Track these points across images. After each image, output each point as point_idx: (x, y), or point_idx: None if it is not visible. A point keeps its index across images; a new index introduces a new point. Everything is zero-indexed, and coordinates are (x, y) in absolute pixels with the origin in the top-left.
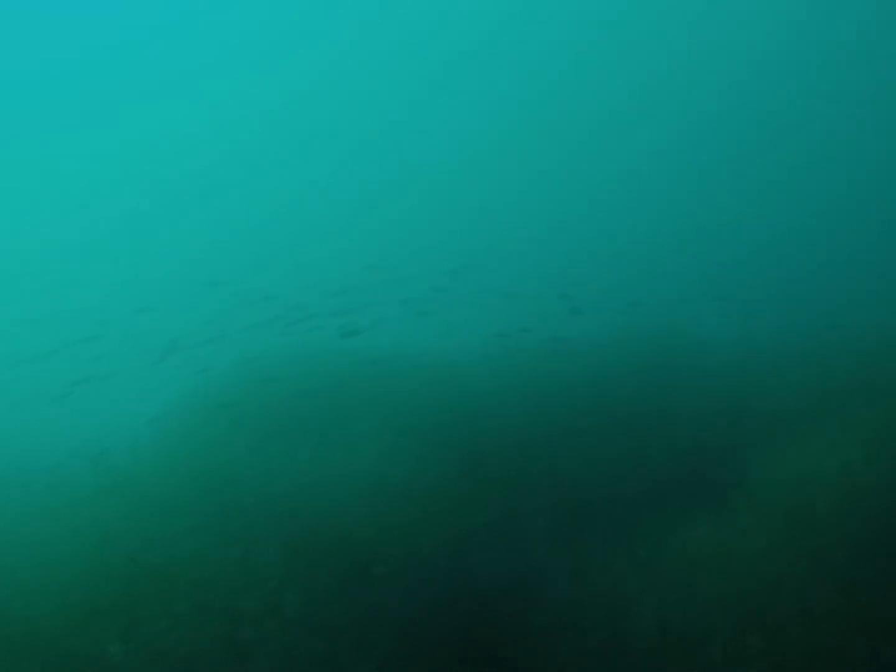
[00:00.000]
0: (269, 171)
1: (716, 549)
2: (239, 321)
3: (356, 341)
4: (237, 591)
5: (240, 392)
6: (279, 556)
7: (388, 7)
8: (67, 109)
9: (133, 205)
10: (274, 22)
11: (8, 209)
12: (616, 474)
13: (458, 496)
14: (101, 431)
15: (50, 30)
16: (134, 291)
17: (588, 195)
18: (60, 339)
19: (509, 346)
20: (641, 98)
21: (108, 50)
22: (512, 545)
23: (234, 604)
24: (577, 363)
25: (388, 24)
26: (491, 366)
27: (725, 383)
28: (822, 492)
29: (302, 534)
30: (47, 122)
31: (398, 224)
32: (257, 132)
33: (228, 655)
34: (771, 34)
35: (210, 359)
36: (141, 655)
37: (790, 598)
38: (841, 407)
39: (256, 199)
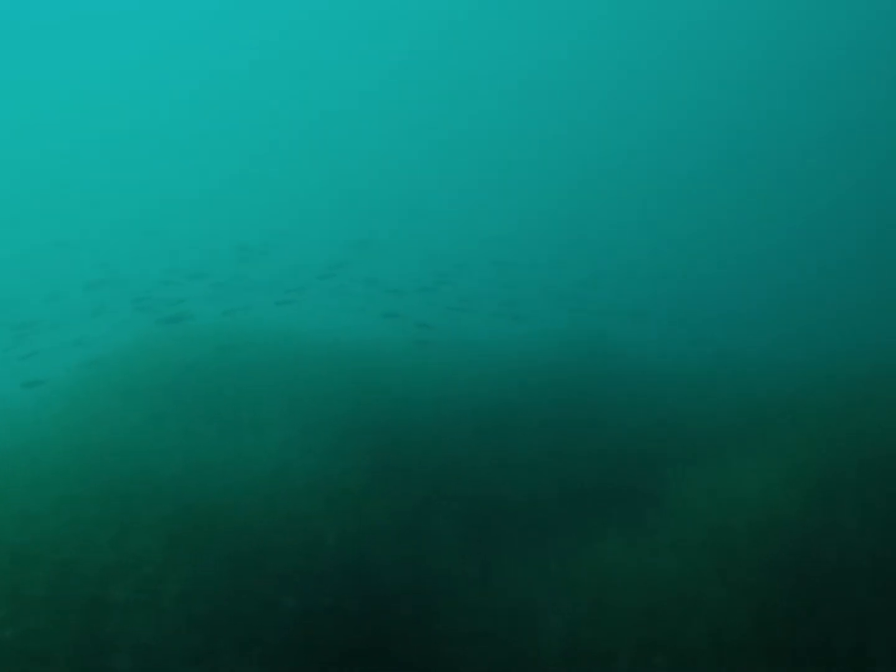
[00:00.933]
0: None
1: (630, 565)
2: (158, 293)
3: (275, 322)
4: (107, 577)
5: (140, 367)
6: (161, 540)
7: None
8: None
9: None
10: None
11: None
12: (535, 478)
13: (365, 490)
14: None
15: None
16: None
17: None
18: None
19: (433, 342)
20: (621, 97)
21: None
22: (419, 545)
23: (100, 591)
24: (505, 362)
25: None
26: (412, 360)
27: (658, 397)
28: (740, 514)
29: (190, 518)
30: None
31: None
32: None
33: (87, 651)
34: (767, 36)
35: (111, 329)
36: None
37: (700, 622)
38: (767, 429)
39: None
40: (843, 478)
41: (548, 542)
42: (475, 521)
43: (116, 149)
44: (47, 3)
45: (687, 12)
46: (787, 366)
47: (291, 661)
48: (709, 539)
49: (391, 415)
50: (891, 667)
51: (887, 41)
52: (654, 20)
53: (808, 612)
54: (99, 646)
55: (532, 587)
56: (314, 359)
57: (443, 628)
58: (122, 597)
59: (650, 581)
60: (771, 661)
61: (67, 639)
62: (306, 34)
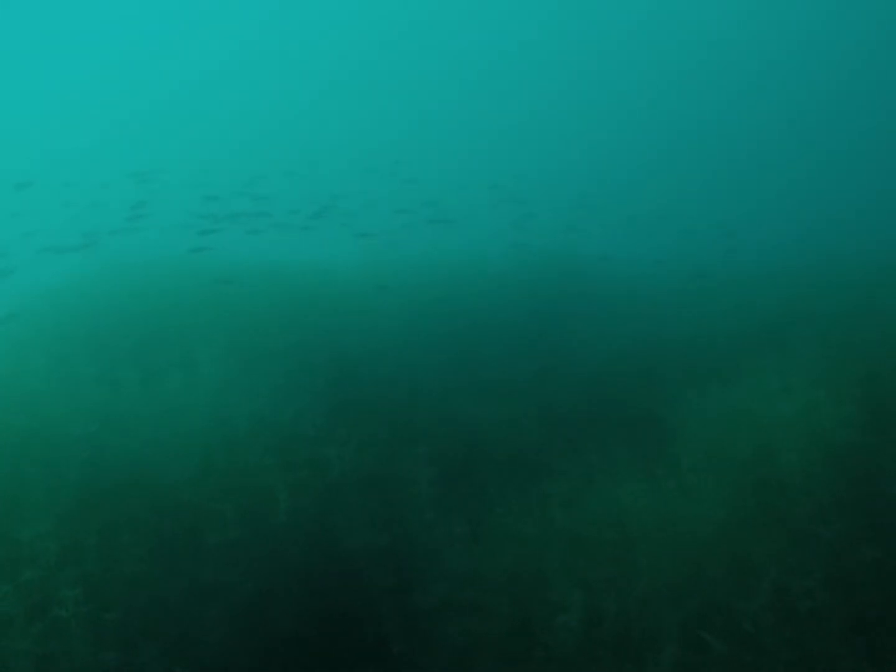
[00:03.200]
0: None
1: (651, 512)
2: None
3: (207, 255)
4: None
5: (54, 304)
6: (63, 518)
7: None
8: None
9: None
10: None
11: None
12: (517, 415)
13: (322, 435)
14: None
15: None
16: None
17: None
18: None
19: (385, 262)
20: None
21: None
22: (389, 504)
23: None
24: (467, 281)
25: None
26: (364, 280)
27: (642, 309)
28: (781, 442)
29: (108, 482)
30: None
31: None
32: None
33: None
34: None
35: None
36: None
37: (763, 586)
38: (786, 339)
39: None
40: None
41: (545, 486)
42: (453, 465)
43: None
44: None
45: None
46: (792, 271)
47: (244, 658)
48: (746, 474)
49: (347, 346)
50: None
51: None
52: None
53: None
54: None
55: (531, 547)
56: (258, 289)
57: (426, 601)
58: (25, 578)
59: (683, 534)
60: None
61: None
62: None
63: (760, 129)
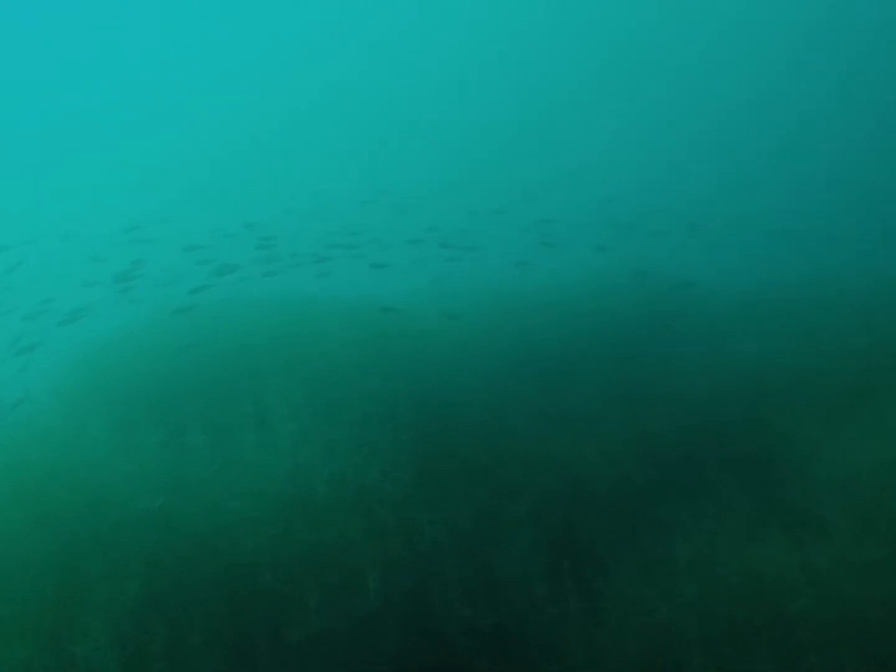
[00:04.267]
0: None
1: (805, 586)
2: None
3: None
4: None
5: (105, 365)
6: (131, 612)
7: None
8: None
9: None
10: None
11: None
12: (616, 454)
13: (408, 500)
14: None
15: None
16: None
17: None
18: None
19: (454, 291)
20: None
21: None
22: (491, 576)
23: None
24: (546, 308)
25: None
26: (434, 311)
27: (743, 331)
28: None
29: (175, 569)
30: None
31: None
32: None
33: None
34: None
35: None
36: None
37: None
38: None
39: None
40: None
41: (661, 545)
42: (555, 521)
43: None
44: None
45: None
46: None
47: None
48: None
49: (428, 387)
50: None
51: None
52: None
53: None
54: None
55: (664, 627)
56: (332, 329)
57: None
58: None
59: (853, 619)
60: None
61: None
62: None
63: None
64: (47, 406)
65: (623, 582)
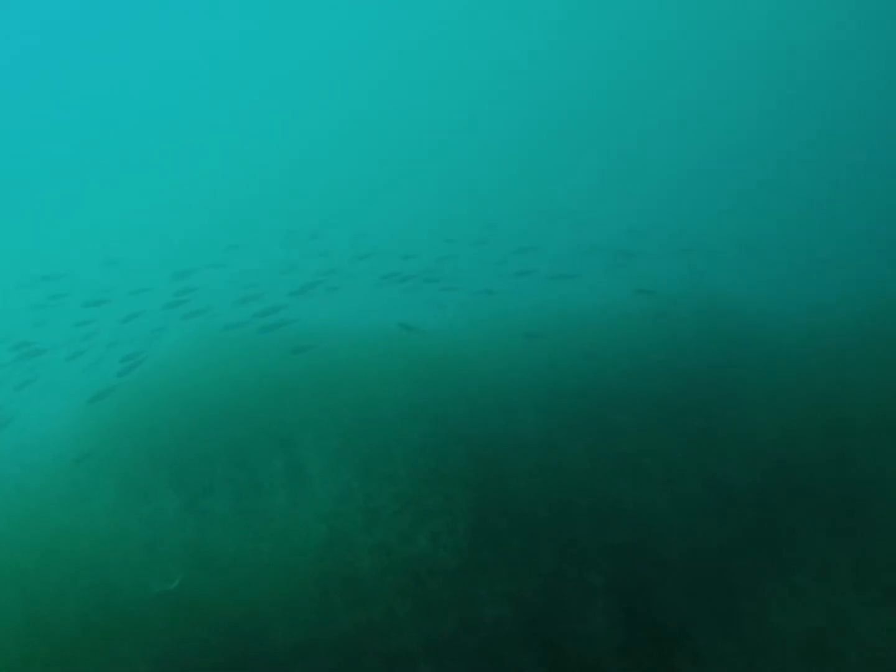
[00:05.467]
0: None
1: None
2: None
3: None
4: None
5: (137, 411)
6: None
7: None
8: None
9: None
10: None
11: None
12: (685, 500)
13: (463, 570)
14: None
15: None
16: None
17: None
18: None
19: (501, 324)
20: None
21: None
22: (564, 665)
23: None
24: (596, 339)
25: None
26: (483, 347)
27: (818, 362)
28: None
29: (195, 666)
30: None
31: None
32: None
33: None
34: None
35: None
36: None
37: None
38: None
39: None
40: None
41: (752, 614)
42: (631, 587)
43: None
44: None
45: None
46: None
47: None
48: None
49: (479, 432)
50: None
51: None
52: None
53: None
54: None
55: None
56: (370, 366)
57: None
58: None
59: None
60: None
61: None
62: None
63: None
64: (49, 463)
65: (716, 666)
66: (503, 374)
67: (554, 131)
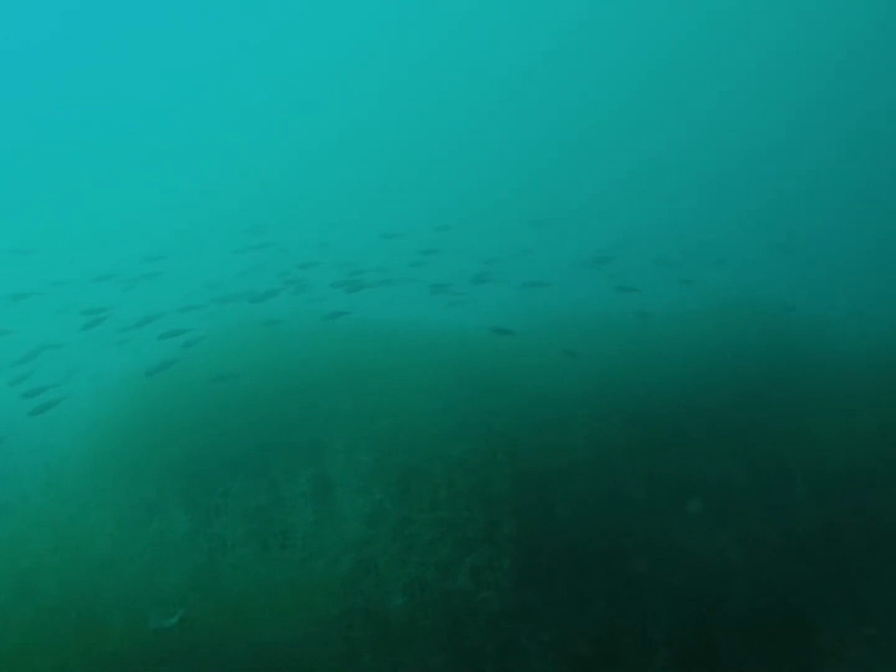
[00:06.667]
0: None
1: None
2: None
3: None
4: None
5: (145, 420)
6: None
7: None
8: None
9: None
10: None
11: None
12: (752, 541)
13: (507, 613)
14: None
15: None
16: None
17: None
18: None
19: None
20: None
21: None
22: None
23: None
24: (649, 353)
25: None
26: (543, 356)
27: (886, 389)
28: None
29: None
30: None
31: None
32: None
33: None
34: None
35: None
36: None
37: None
38: None
39: None
40: None
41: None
42: (692, 641)
43: None
44: None
45: None
46: None
47: None
48: None
49: (527, 451)
50: None
51: None
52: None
53: None
54: None
55: None
56: (409, 370)
57: None
58: None
59: None
60: None
61: None
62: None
63: None
64: (37, 471)
65: None
66: (555, 386)
67: (575, 137)
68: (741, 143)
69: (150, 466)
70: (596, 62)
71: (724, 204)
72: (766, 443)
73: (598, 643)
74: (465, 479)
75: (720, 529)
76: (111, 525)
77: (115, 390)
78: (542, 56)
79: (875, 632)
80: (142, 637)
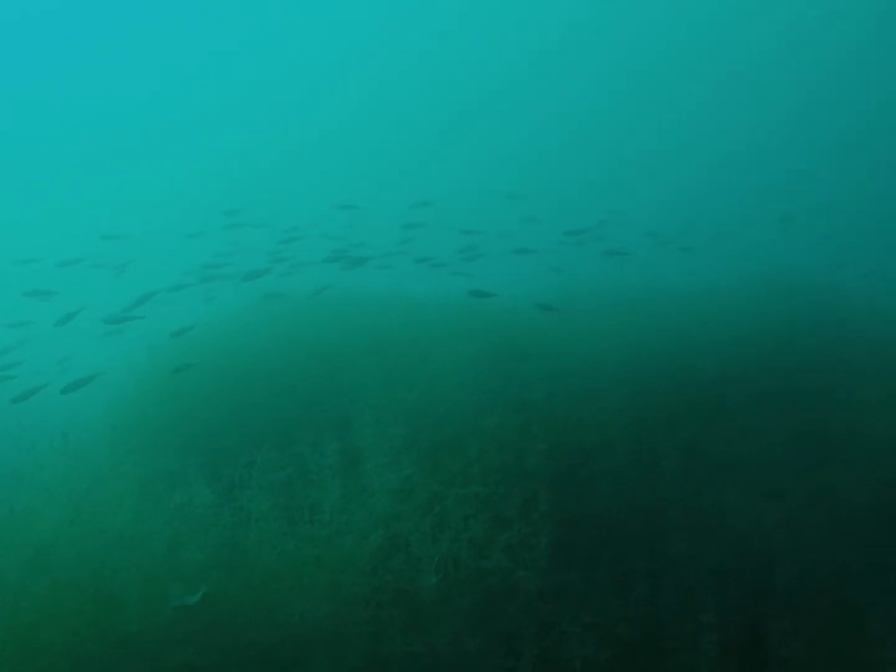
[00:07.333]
0: None
1: None
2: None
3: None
4: None
5: (169, 391)
6: None
7: None
8: None
9: None
10: None
11: None
12: (797, 523)
13: (549, 591)
14: None
15: None
16: None
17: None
18: None
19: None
20: None
21: None
22: None
23: None
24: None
25: None
26: (578, 324)
27: None
28: None
29: None
30: None
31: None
32: None
33: None
34: None
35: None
36: None
37: None
38: None
39: None
40: None
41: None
42: (736, 626)
43: None
44: None
45: None
46: None
47: None
48: None
49: (564, 422)
50: None
51: None
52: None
53: None
54: None
55: None
56: (440, 341)
57: None
58: None
59: None
60: None
61: None
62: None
63: None
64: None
65: None
66: (591, 355)
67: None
68: (740, 134)
69: (171, 439)
70: (596, 58)
71: (733, 184)
72: (812, 415)
73: (641, 626)
74: (498, 453)
75: (766, 509)
76: (131, 498)
77: (135, 364)
78: (540, 55)
79: None
80: (162, 615)
